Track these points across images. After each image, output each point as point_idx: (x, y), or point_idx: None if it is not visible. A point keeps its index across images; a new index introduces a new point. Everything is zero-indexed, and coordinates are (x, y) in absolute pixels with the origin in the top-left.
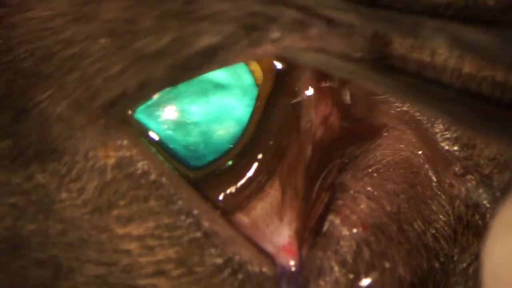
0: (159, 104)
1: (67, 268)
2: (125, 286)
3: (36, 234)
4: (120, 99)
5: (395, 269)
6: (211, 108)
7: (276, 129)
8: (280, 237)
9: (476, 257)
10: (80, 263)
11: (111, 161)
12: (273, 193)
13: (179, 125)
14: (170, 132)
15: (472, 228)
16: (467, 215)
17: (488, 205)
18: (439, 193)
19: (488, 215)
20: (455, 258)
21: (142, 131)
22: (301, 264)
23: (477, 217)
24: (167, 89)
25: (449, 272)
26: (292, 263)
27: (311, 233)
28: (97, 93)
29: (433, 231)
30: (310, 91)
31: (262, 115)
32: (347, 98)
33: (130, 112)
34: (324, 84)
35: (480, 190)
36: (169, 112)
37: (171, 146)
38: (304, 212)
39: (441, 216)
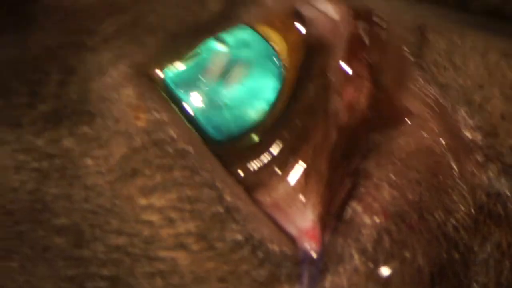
0: (191, 81)
1: (88, 237)
2: (145, 258)
3: (59, 200)
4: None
5: (415, 259)
6: (242, 90)
7: (303, 109)
8: (303, 220)
9: (498, 247)
10: (102, 232)
11: (141, 124)
12: (296, 174)
13: (211, 105)
14: (201, 108)
15: (493, 218)
16: (489, 204)
17: (509, 194)
18: (460, 183)
19: (510, 204)
20: (475, 248)
21: (174, 100)
22: (323, 250)
23: (499, 206)
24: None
25: (469, 262)
26: (314, 248)
27: (333, 219)
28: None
29: (454, 221)
30: (341, 71)
31: (291, 94)
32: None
33: (162, 75)
34: (356, 63)
35: (502, 180)
36: (201, 91)
37: (199, 118)
38: (327, 197)
39: (461, 207)
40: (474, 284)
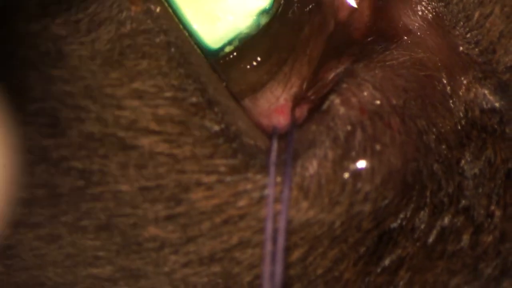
0: None
1: (65, 123)
2: (121, 147)
3: (38, 84)
4: None
5: (388, 158)
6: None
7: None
8: (278, 101)
9: (490, 162)
10: (78, 119)
11: (134, 12)
12: (285, 70)
13: (209, 17)
14: (196, 19)
15: (488, 132)
16: (483, 119)
17: (504, 110)
18: (451, 100)
19: (505, 120)
20: (463, 163)
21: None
22: (292, 123)
23: (493, 121)
24: None
25: (454, 176)
26: (283, 121)
27: (308, 102)
28: None
29: (437, 133)
30: None
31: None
32: None
33: None
34: None
35: (498, 96)
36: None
37: (194, 28)
38: (308, 81)
39: (447, 121)
40: (461, 199)
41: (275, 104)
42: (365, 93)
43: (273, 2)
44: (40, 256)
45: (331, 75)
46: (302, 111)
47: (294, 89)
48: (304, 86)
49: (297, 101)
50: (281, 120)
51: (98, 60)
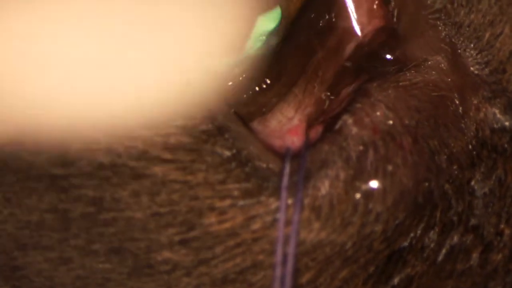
0: None
1: (73, 154)
2: (132, 176)
3: None
4: None
5: (400, 178)
6: None
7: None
8: (291, 124)
9: (501, 181)
10: (89, 150)
11: None
12: (295, 92)
13: None
14: None
15: (498, 152)
16: (493, 139)
17: None
18: (463, 120)
19: None
20: (473, 183)
21: None
22: (306, 144)
23: (504, 140)
24: None
25: (464, 196)
26: (296, 142)
27: (321, 124)
28: None
29: (449, 154)
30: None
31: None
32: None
33: None
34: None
35: (507, 115)
36: None
37: None
38: (321, 102)
39: (459, 142)
40: (471, 218)
41: (288, 125)
42: (378, 113)
43: (280, 21)
44: (50, 278)
45: (345, 95)
46: (317, 132)
47: (308, 109)
48: (318, 106)
49: (311, 121)
50: (295, 141)
51: None
